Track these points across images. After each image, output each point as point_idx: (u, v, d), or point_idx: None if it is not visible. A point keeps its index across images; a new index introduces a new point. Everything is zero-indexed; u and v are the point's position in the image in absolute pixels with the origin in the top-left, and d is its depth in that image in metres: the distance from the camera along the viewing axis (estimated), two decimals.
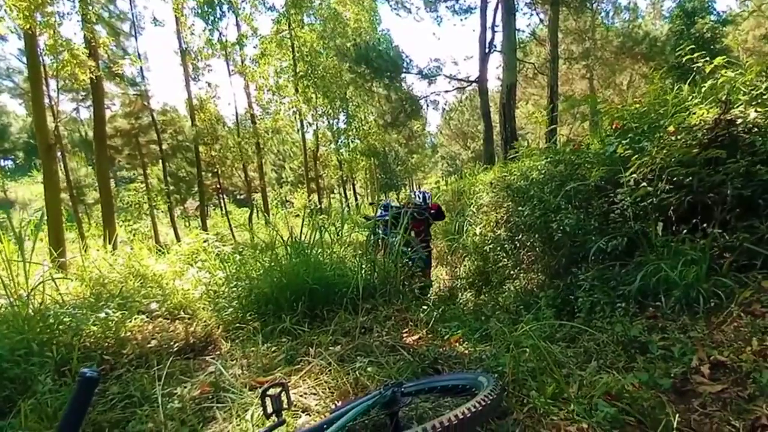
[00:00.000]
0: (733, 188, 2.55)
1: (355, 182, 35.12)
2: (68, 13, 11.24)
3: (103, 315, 2.83)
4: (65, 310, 2.84)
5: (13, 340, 2.34)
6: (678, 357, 1.87)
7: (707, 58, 3.19)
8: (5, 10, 7.71)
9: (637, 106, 3.53)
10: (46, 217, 8.62)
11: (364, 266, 3.52)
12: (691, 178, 2.71)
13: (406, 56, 18.52)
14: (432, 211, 5.55)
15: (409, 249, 4.06)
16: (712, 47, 17.09)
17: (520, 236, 4.37)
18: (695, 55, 3.20)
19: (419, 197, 5.58)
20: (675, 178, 2.76)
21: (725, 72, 3.05)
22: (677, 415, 1.53)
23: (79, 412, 1.02)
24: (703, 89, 3.21)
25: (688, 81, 3.64)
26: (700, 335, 2.01)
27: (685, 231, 2.64)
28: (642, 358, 1.95)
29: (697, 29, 18.84)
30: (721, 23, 20.45)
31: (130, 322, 2.95)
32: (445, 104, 35.05)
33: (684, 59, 3.31)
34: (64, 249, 7.71)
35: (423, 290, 4.33)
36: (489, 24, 14.88)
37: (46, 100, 12.65)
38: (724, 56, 3.24)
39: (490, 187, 5.53)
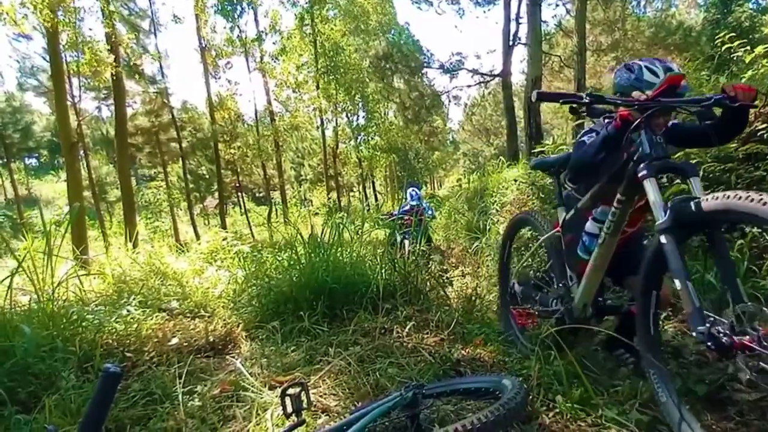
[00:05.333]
0: None
1: (375, 180, 35.11)
2: (90, 8, 11.33)
3: (125, 312, 2.86)
4: (88, 307, 2.87)
5: (39, 335, 2.37)
6: (713, 362, 1.80)
7: (747, 47, 3.04)
8: (28, 7, 7.82)
9: None
10: (68, 215, 8.83)
11: (384, 266, 3.48)
12: (728, 174, 2.61)
13: (427, 50, 18.53)
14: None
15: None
16: (750, 37, 16.34)
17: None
18: (735, 44, 3.05)
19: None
20: (711, 175, 2.67)
21: (766, 62, 2.90)
22: (712, 424, 1.49)
23: (102, 406, 1.02)
24: (742, 80, 3.07)
25: (726, 72, 3.49)
26: None
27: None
28: (675, 362, 1.89)
29: (734, 18, 18.04)
30: (761, 12, 19.53)
31: (152, 319, 2.98)
32: (468, 99, 34.84)
33: (722, 49, 3.17)
34: (86, 246, 7.87)
35: None
36: (513, 15, 14.64)
37: (69, 99, 12.84)
38: (766, 45, 3.09)
39: (514, 185, 5.42)
